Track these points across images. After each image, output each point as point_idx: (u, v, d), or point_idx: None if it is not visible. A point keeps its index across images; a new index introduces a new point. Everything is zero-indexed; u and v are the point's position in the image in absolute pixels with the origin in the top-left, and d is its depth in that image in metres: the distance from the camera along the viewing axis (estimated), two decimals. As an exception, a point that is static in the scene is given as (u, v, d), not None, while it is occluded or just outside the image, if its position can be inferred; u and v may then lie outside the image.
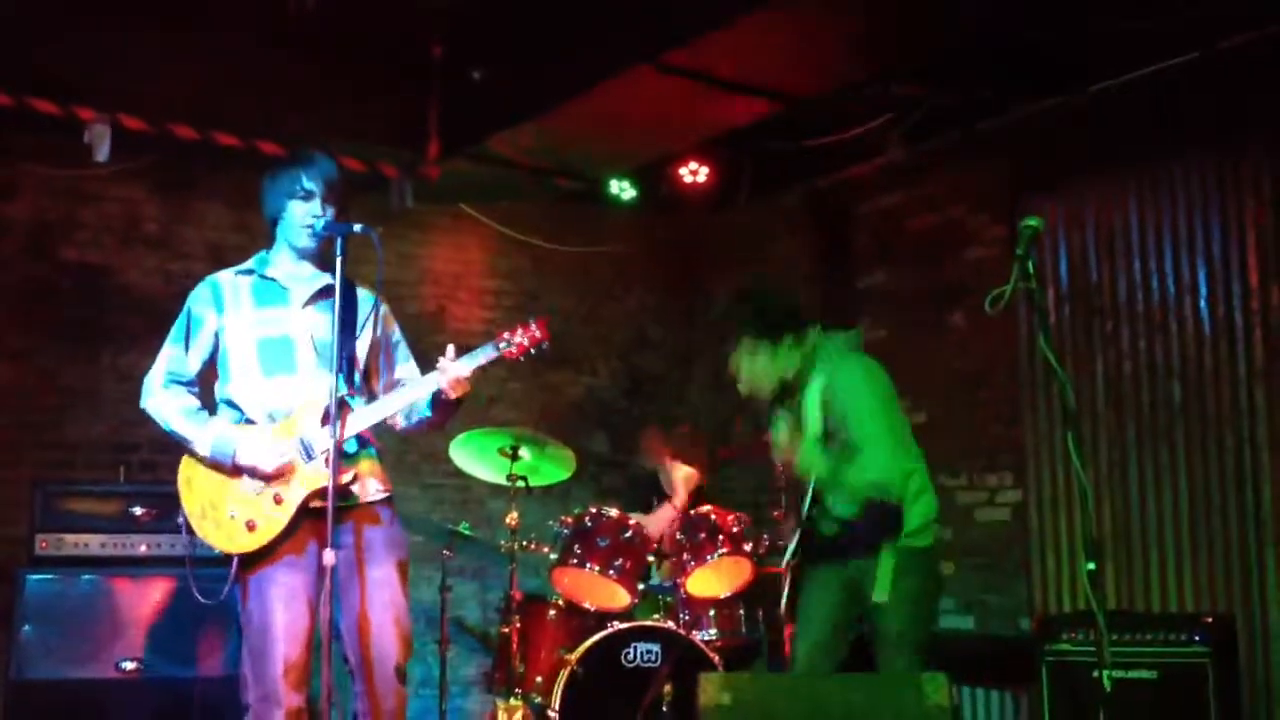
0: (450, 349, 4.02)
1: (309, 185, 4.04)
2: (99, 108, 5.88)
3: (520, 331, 4.09)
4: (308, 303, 4.08)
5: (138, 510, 5.51)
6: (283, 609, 3.89)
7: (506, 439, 5.73)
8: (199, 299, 4.10)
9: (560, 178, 7.14)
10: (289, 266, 4.11)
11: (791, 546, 4.66)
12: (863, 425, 4.35)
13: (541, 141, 6.52)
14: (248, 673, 3.92)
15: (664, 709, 5.26)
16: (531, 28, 5.89)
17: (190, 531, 3.95)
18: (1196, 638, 4.89)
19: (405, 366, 4.27)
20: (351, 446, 4.03)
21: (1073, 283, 6.21)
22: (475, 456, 5.87)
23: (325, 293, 4.08)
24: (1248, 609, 5.47)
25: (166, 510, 5.50)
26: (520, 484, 5.71)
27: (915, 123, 6.31)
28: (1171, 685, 4.88)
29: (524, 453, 5.73)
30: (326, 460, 3.85)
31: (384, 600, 3.99)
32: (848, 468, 4.35)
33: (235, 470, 3.94)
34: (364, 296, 4.19)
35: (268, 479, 3.92)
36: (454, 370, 3.98)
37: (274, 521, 3.91)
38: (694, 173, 7.00)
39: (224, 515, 3.93)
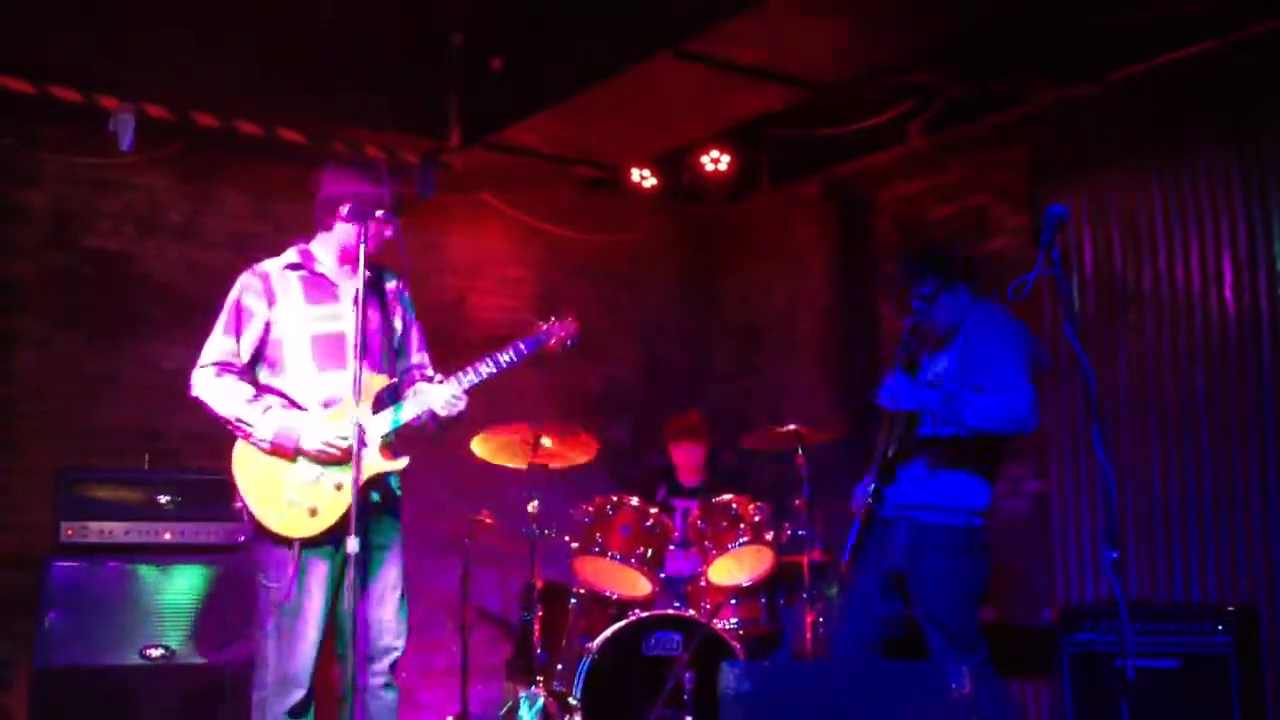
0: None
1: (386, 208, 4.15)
2: (122, 96, 5.90)
3: (556, 324, 4.39)
4: (356, 300, 4.18)
5: (162, 498, 5.54)
6: (318, 595, 4.03)
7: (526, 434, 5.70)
8: (250, 291, 4.19)
9: (581, 166, 7.14)
10: (333, 263, 4.25)
11: (869, 491, 4.55)
12: (1003, 374, 4.35)
13: (562, 130, 6.52)
14: (270, 654, 4.02)
15: (685, 697, 5.26)
16: (551, 16, 5.89)
17: (251, 517, 4.05)
18: (1219, 627, 4.88)
19: (420, 355, 4.42)
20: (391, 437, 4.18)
21: (1096, 271, 6.19)
22: (496, 446, 5.86)
23: (368, 288, 4.20)
24: (1271, 598, 5.45)
25: (191, 497, 5.54)
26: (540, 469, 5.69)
27: (936, 111, 6.28)
28: (1194, 675, 4.87)
29: (544, 441, 5.72)
30: (379, 447, 4.09)
31: (395, 592, 4.19)
32: (976, 397, 4.33)
33: (295, 454, 4.05)
34: (389, 278, 4.36)
35: (336, 462, 4.02)
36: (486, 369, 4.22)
37: (335, 507, 4.03)
38: (715, 161, 6.99)
39: (282, 501, 4.05)
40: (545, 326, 4.37)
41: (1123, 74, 5.82)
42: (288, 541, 4.01)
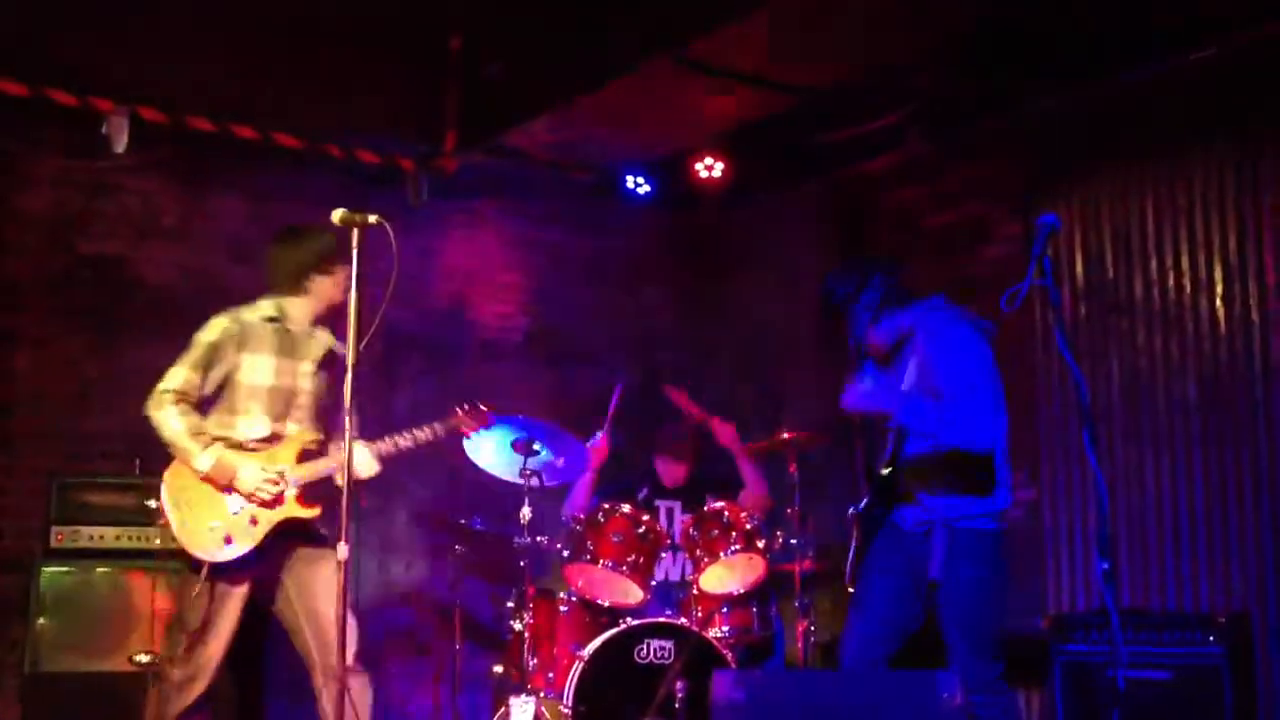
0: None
1: None
2: (117, 99, 5.90)
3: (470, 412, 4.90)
4: (319, 367, 4.69)
5: (153, 503, 5.50)
6: (233, 610, 4.50)
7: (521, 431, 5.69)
8: (227, 336, 4.57)
9: (577, 172, 7.14)
10: (304, 321, 4.69)
11: (864, 503, 4.56)
12: (955, 382, 4.27)
13: (558, 135, 6.52)
14: (181, 651, 4.46)
15: (677, 706, 5.25)
16: (548, 21, 5.89)
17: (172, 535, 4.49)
18: (1211, 637, 4.89)
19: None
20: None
21: (1089, 280, 6.19)
22: (489, 451, 5.85)
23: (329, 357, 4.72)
24: (1263, 608, 5.45)
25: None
26: (534, 481, 5.67)
27: (934, 116, 6.28)
28: (1186, 685, 4.87)
29: (538, 448, 5.70)
30: (297, 496, 4.55)
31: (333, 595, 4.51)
32: (935, 417, 4.25)
33: (227, 489, 4.47)
34: (337, 342, 4.74)
35: (264, 505, 4.49)
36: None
37: (248, 539, 4.47)
38: (709, 167, 6.99)
39: (205, 526, 4.45)
40: (460, 414, 4.86)
41: (1118, 82, 5.82)
42: (198, 564, 4.43)
